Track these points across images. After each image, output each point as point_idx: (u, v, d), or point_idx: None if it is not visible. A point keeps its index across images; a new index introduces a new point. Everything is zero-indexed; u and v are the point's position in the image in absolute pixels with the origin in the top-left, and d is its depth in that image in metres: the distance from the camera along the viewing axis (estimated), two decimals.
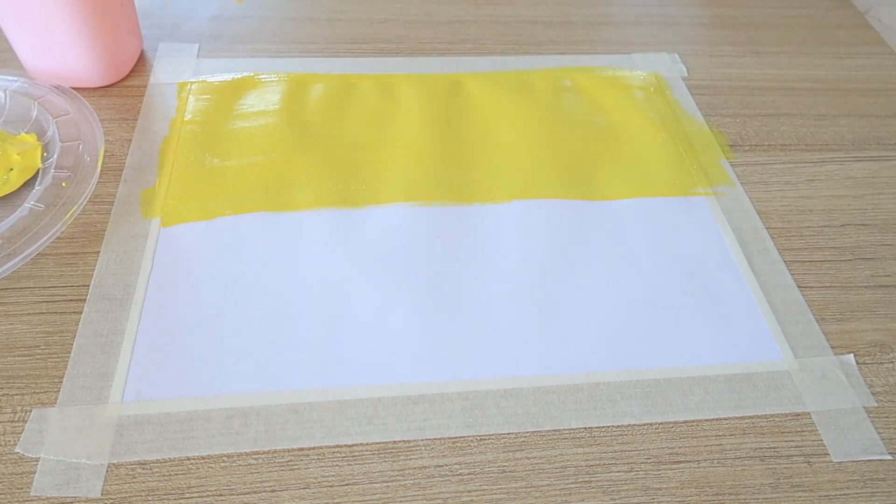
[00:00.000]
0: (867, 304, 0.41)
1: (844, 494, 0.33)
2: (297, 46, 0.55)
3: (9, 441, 0.32)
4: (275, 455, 0.32)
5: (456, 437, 0.33)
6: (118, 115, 0.48)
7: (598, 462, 0.33)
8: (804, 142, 0.51)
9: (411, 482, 0.32)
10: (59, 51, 0.46)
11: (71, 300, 0.37)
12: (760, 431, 0.35)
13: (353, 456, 0.33)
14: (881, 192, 0.48)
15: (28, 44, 0.46)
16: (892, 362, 0.38)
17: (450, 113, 0.50)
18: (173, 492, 0.31)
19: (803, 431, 0.35)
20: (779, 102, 0.54)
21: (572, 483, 0.32)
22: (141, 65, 0.52)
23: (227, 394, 0.34)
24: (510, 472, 0.33)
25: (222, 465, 0.32)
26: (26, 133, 0.44)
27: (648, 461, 0.33)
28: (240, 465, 0.32)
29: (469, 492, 0.32)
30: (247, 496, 0.31)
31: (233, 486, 0.31)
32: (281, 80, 0.51)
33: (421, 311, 0.38)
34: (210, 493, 0.31)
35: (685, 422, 0.35)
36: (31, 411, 0.33)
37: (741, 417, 0.35)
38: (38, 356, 0.35)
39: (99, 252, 0.39)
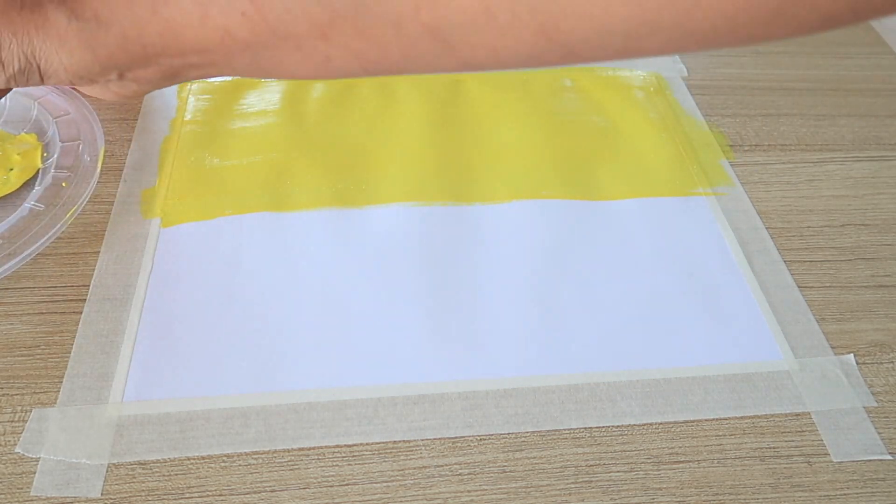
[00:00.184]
0: (867, 304, 0.41)
1: (844, 494, 0.33)
2: None
3: (9, 441, 0.32)
4: (275, 455, 0.32)
5: (456, 437, 0.33)
6: (118, 115, 0.48)
7: (598, 462, 0.33)
8: (804, 142, 0.51)
9: (411, 482, 0.32)
10: None
11: (71, 300, 0.37)
12: (760, 431, 0.35)
13: (353, 456, 0.33)
14: (881, 192, 0.48)
15: None
16: (892, 362, 0.38)
17: (450, 113, 0.50)
18: (173, 492, 0.31)
19: (803, 431, 0.35)
20: (779, 102, 0.54)
21: (572, 483, 0.32)
22: None
23: (227, 394, 0.34)
24: (510, 472, 0.33)
25: (222, 465, 0.32)
26: (26, 133, 0.44)
27: (648, 461, 0.33)
28: (240, 465, 0.32)
29: (469, 492, 0.32)
30: (247, 496, 0.31)
31: (233, 486, 0.31)
32: (281, 79, 0.51)
33: (421, 311, 0.38)
34: (210, 493, 0.31)
35: (685, 422, 0.35)
36: (31, 411, 0.33)
37: (741, 417, 0.35)
38: (38, 356, 0.35)
39: (99, 252, 0.39)
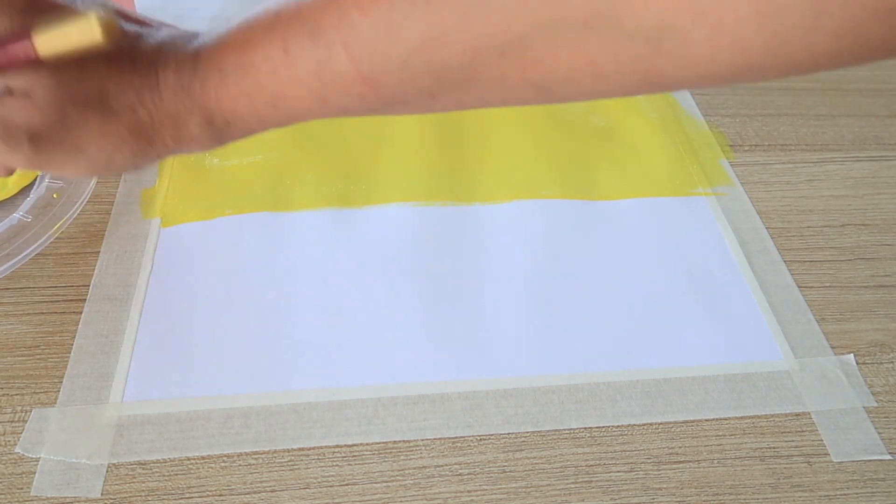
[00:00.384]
0: (867, 304, 0.41)
1: (844, 494, 0.33)
2: None
3: (9, 441, 0.32)
4: (275, 455, 0.32)
5: (456, 437, 0.33)
6: None
7: (598, 462, 0.33)
8: (804, 142, 0.51)
9: (411, 482, 0.32)
10: None
11: (71, 300, 0.37)
12: (760, 431, 0.35)
13: (353, 456, 0.33)
14: (881, 192, 0.48)
15: None
16: (892, 362, 0.38)
17: (450, 113, 0.50)
18: (173, 492, 0.31)
19: (803, 431, 0.35)
20: (779, 102, 0.54)
21: (572, 483, 0.32)
22: None
23: (227, 394, 0.34)
24: (510, 472, 0.33)
25: (222, 465, 0.32)
26: None
27: (648, 461, 0.33)
28: (240, 465, 0.32)
29: (469, 492, 0.32)
30: (247, 496, 0.31)
31: (233, 486, 0.31)
32: None
33: (421, 311, 0.38)
34: (210, 493, 0.31)
35: (685, 422, 0.35)
36: (31, 411, 0.33)
37: (741, 417, 0.35)
38: (38, 356, 0.35)
39: (99, 252, 0.39)
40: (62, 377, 0.34)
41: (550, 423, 0.34)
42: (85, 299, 0.37)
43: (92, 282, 0.38)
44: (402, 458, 0.33)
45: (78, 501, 0.30)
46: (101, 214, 0.41)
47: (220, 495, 0.31)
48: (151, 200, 0.42)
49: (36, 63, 0.23)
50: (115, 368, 0.34)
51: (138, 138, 0.26)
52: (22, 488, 0.30)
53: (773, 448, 0.34)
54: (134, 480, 0.31)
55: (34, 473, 0.31)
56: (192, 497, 0.31)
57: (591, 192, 0.45)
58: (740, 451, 0.34)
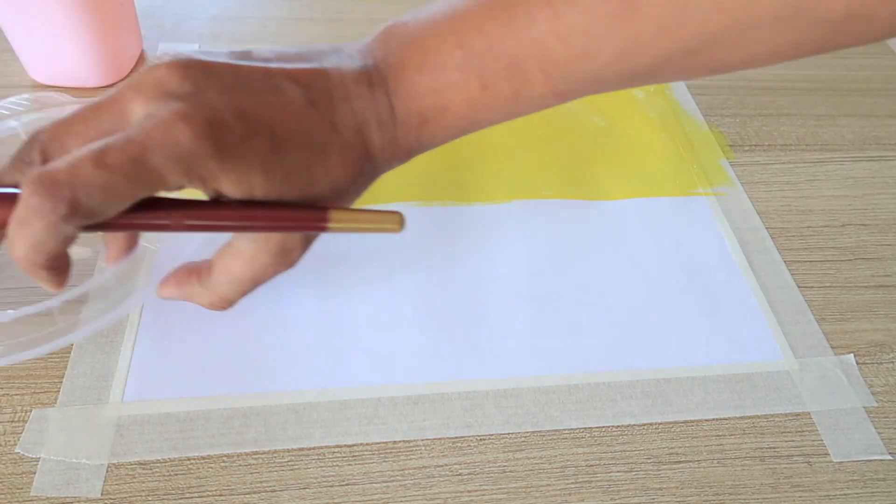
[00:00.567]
0: (867, 304, 0.41)
1: (844, 494, 0.33)
2: None
3: (9, 441, 0.32)
4: (275, 455, 0.32)
5: (456, 437, 0.33)
6: None
7: (598, 462, 0.33)
8: (804, 142, 0.51)
9: (411, 482, 0.32)
10: (60, 51, 0.46)
11: (71, 300, 0.37)
12: (760, 431, 0.35)
13: (353, 456, 0.33)
14: (881, 192, 0.48)
15: (29, 44, 0.46)
16: (892, 362, 0.38)
17: None
18: (173, 492, 0.31)
19: (803, 431, 0.35)
20: (779, 102, 0.54)
21: (572, 483, 0.32)
22: (141, 65, 0.52)
23: (227, 394, 0.34)
24: (510, 472, 0.33)
25: (222, 465, 0.32)
26: None
27: (648, 461, 0.33)
28: (240, 465, 0.32)
29: (469, 492, 0.32)
30: (247, 496, 0.31)
31: (233, 486, 0.31)
32: None
33: (421, 311, 0.38)
34: (210, 493, 0.31)
35: (685, 422, 0.35)
36: (31, 411, 0.33)
37: (741, 417, 0.35)
38: (38, 356, 0.35)
39: (99, 252, 0.39)
40: (62, 377, 0.34)
41: (550, 423, 0.34)
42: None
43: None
44: (402, 458, 0.33)
45: (78, 501, 0.30)
46: None
47: (220, 495, 0.31)
48: None
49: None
50: (115, 368, 0.34)
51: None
52: (22, 488, 0.30)
53: (773, 448, 0.34)
54: (134, 480, 0.31)
55: (34, 473, 0.31)
56: (192, 497, 0.31)
57: (590, 192, 0.45)
58: (740, 451, 0.34)
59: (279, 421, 0.33)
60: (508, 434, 0.34)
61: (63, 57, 0.47)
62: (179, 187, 0.22)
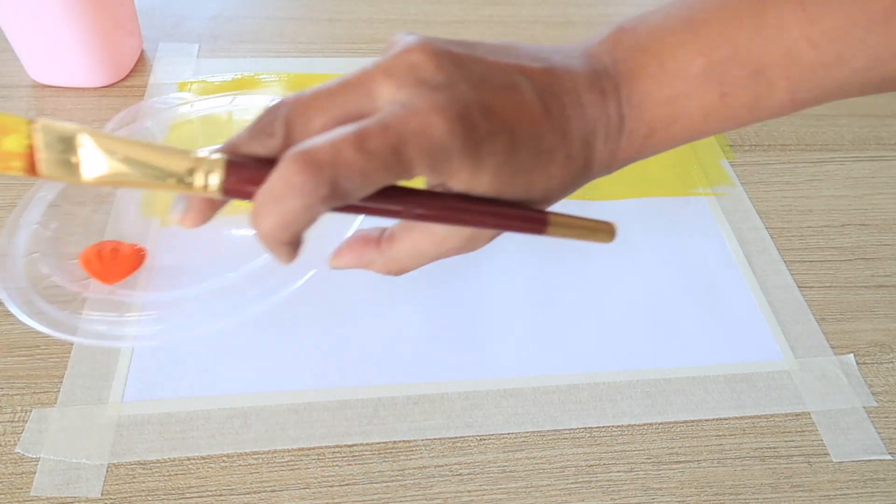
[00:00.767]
0: (867, 304, 0.41)
1: (844, 494, 0.33)
2: (297, 46, 0.55)
3: (9, 441, 0.32)
4: (275, 455, 0.32)
5: (456, 437, 0.33)
6: None
7: (598, 462, 0.33)
8: (804, 142, 0.51)
9: (411, 482, 0.32)
10: (60, 51, 0.46)
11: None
12: (760, 431, 0.35)
13: (353, 456, 0.33)
14: (881, 192, 0.48)
15: (29, 44, 0.46)
16: (892, 362, 0.38)
17: None
18: (173, 492, 0.31)
19: (803, 431, 0.35)
20: None
21: (572, 483, 0.32)
22: (141, 65, 0.52)
23: (227, 394, 0.34)
24: (510, 472, 0.33)
25: (222, 465, 0.32)
26: None
27: (648, 461, 0.33)
28: (240, 465, 0.32)
29: (469, 492, 0.32)
30: (247, 496, 0.31)
31: (233, 486, 0.31)
32: (281, 80, 0.51)
33: (421, 312, 0.38)
34: (210, 493, 0.31)
35: (685, 422, 0.35)
36: (31, 411, 0.33)
37: (741, 417, 0.35)
38: (38, 356, 0.35)
39: None
40: (62, 377, 0.34)
41: (550, 423, 0.34)
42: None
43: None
44: (402, 458, 0.33)
45: (78, 501, 0.30)
46: (101, 214, 0.41)
47: (220, 495, 0.31)
48: (151, 200, 0.42)
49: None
50: (115, 368, 0.34)
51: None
52: (22, 488, 0.30)
53: (773, 448, 0.34)
54: (134, 480, 0.31)
55: (34, 473, 0.31)
56: (192, 497, 0.31)
57: (590, 192, 0.45)
58: (740, 451, 0.34)
59: (279, 421, 0.33)
60: (508, 434, 0.34)
61: (63, 57, 0.47)
62: (413, 177, 0.22)
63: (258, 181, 0.21)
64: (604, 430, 0.34)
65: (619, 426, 0.34)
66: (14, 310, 0.33)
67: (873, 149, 0.51)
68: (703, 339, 0.38)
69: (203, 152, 0.21)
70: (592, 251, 0.42)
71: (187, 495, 0.31)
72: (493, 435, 0.34)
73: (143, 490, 0.31)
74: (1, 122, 0.19)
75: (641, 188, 0.46)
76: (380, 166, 0.20)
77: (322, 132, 0.21)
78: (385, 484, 0.32)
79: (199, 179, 0.21)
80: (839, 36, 0.22)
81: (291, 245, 0.23)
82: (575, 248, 0.42)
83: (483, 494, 0.32)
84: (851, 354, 0.38)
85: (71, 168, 0.20)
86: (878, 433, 0.35)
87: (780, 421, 0.35)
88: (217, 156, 0.21)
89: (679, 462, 0.33)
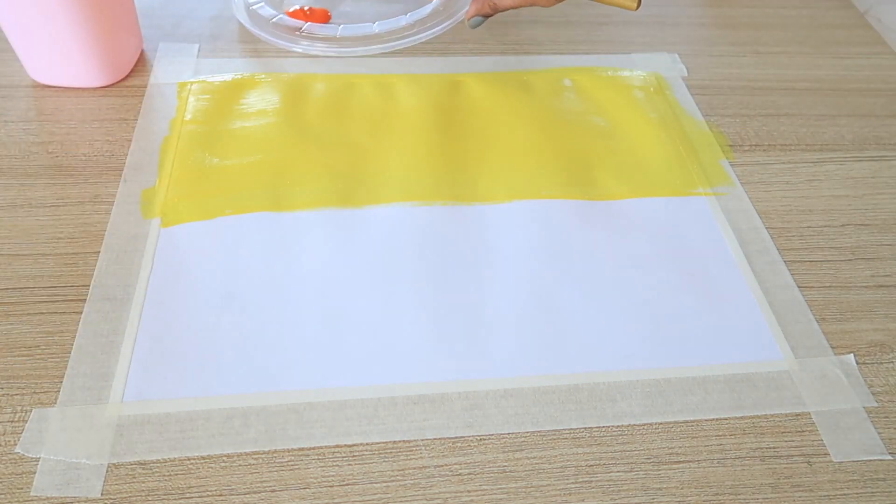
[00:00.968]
0: (867, 304, 0.41)
1: (844, 494, 0.33)
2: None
3: (9, 441, 0.32)
4: (275, 455, 0.32)
5: (456, 437, 0.33)
6: (118, 115, 0.48)
7: (598, 462, 0.33)
8: (804, 142, 0.51)
9: (411, 482, 0.32)
10: (60, 51, 0.46)
11: (71, 300, 0.37)
12: (760, 431, 0.35)
13: (353, 456, 0.33)
14: (881, 192, 0.48)
15: (29, 44, 0.46)
16: (892, 362, 0.38)
17: (450, 113, 0.50)
18: (173, 492, 0.31)
19: (803, 431, 0.35)
20: (779, 102, 0.54)
21: (572, 483, 0.32)
22: (141, 65, 0.52)
23: (227, 394, 0.34)
24: (510, 472, 0.33)
25: (222, 465, 0.32)
26: None
27: (648, 461, 0.33)
28: (240, 465, 0.32)
29: (469, 492, 0.32)
30: (247, 496, 0.31)
31: (233, 486, 0.31)
32: (281, 79, 0.51)
33: (421, 311, 0.38)
34: (210, 493, 0.31)
35: (685, 422, 0.35)
36: (31, 411, 0.33)
37: (741, 417, 0.35)
38: (38, 356, 0.35)
39: (99, 252, 0.39)
40: (62, 377, 0.34)
41: (550, 423, 0.34)
42: (85, 299, 0.37)
43: (92, 282, 0.38)
44: (402, 458, 0.33)
45: (78, 501, 0.30)
46: (101, 214, 0.41)
47: (220, 495, 0.31)
48: (151, 200, 0.42)
49: None
50: (115, 368, 0.34)
51: None
52: (22, 488, 0.30)
53: (773, 448, 0.34)
54: (134, 480, 0.31)
55: (34, 473, 0.31)
56: (192, 497, 0.31)
57: (591, 192, 0.45)
58: (740, 451, 0.34)
59: (279, 421, 0.33)
60: (508, 434, 0.34)
61: (63, 57, 0.47)
62: None
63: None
64: (604, 430, 0.34)
65: (619, 426, 0.34)
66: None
67: (873, 149, 0.51)
68: (703, 339, 0.38)
69: None
70: (593, 251, 0.42)
71: (187, 495, 0.31)
72: (493, 435, 0.34)
73: (143, 490, 0.31)
74: None
75: (641, 188, 0.46)
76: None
77: None
78: (385, 484, 0.32)
79: None
80: None
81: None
82: (575, 249, 0.42)
83: (483, 494, 0.32)
84: (851, 354, 0.38)
85: None
86: (878, 433, 0.35)
87: (780, 421, 0.35)
88: None
89: (679, 462, 0.33)
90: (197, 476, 0.31)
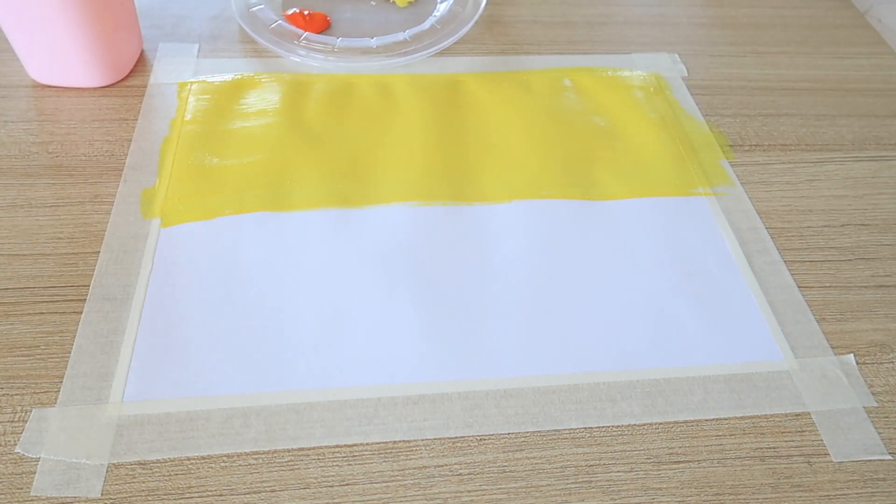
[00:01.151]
0: (867, 304, 0.41)
1: (844, 494, 0.33)
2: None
3: (9, 441, 0.32)
4: (275, 455, 0.32)
5: (456, 437, 0.33)
6: (118, 115, 0.48)
7: (598, 462, 0.33)
8: (804, 142, 0.51)
9: (411, 482, 0.32)
10: (60, 51, 0.46)
11: (71, 300, 0.37)
12: (760, 431, 0.35)
13: (353, 456, 0.33)
14: (881, 192, 0.48)
15: (29, 44, 0.46)
16: (892, 362, 0.38)
17: (450, 113, 0.50)
18: (173, 492, 0.31)
19: (803, 431, 0.35)
20: (779, 102, 0.54)
21: (572, 483, 0.32)
22: (141, 65, 0.52)
23: (227, 394, 0.34)
24: (510, 472, 0.33)
25: (222, 465, 0.32)
26: None
27: (648, 461, 0.33)
28: (240, 465, 0.32)
29: (469, 492, 0.32)
30: (247, 496, 0.31)
31: (233, 486, 0.31)
32: (281, 79, 0.51)
33: (421, 311, 0.38)
34: (210, 493, 0.31)
35: (685, 422, 0.35)
36: (31, 411, 0.33)
37: (741, 417, 0.35)
38: (38, 356, 0.35)
39: (99, 252, 0.39)
40: (62, 377, 0.34)
41: (550, 423, 0.34)
42: (85, 299, 0.37)
43: (92, 282, 0.38)
44: (402, 458, 0.33)
45: (78, 501, 0.30)
46: (101, 214, 0.41)
47: (220, 495, 0.31)
48: (151, 200, 0.42)
49: None
50: (115, 368, 0.34)
51: None
52: (22, 488, 0.30)
53: (773, 448, 0.34)
54: (134, 480, 0.31)
55: (34, 473, 0.31)
56: (192, 497, 0.31)
57: (591, 192, 0.45)
58: (740, 451, 0.34)
59: (279, 421, 0.33)
60: (508, 434, 0.34)
61: (63, 57, 0.47)
62: None
63: None
64: (604, 430, 0.34)
65: (619, 426, 0.34)
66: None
67: (873, 149, 0.51)
68: (703, 339, 0.38)
69: None
70: (593, 251, 0.42)
71: (187, 495, 0.31)
72: (493, 435, 0.34)
73: (143, 490, 0.31)
74: None
75: (641, 188, 0.46)
76: None
77: None
78: (385, 484, 0.32)
79: None
80: None
81: None
82: (575, 249, 0.42)
83: (483, 494, 0.32)
84: (851, 354, 0.38)
85: None
86: (878, 433, 0.35)
87: (780, 421, 0.35)
88: None
89: (679, 462, 0.33)
90: (197, 476, 0.31)
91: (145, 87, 0.50)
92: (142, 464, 0.31)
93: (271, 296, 0.38)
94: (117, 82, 0.50)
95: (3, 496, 0.30)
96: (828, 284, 0.42)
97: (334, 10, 0.59)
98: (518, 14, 0.61)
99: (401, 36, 0.54)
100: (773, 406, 0.36)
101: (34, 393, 0.33)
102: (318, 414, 0.34)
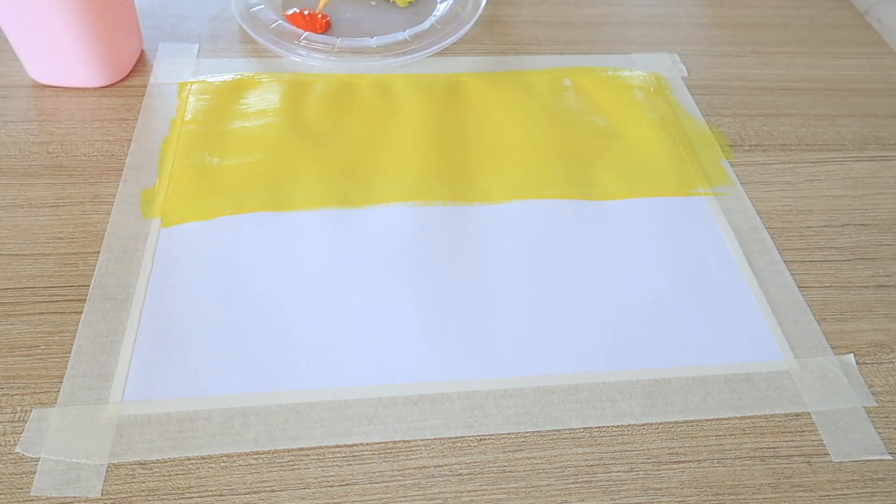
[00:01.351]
0: (867, 304, 0.41)
1: (844, 494, 0.33)
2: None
3: (9, 441, 0.32)
4: (275, 455, 0.32)
5: (456, 437, 0.33)
6: (118, 115, 0.48)
7: (598, 462, 0.33)
8: (804, 142, 0.51)
9: (411, 482, 0.32)
10: (60, 51, 0.46)
11: (71, 300, 0.37)
12: (760, 431, 0.35)
13: (353, 456, 0.33)
14: (881, 192, 0.48)
15: (28, 44, 0.46)
16: (892, 362, 0.38)
17: (450, 113, 0.50)
18: (173, 492, 0.31)
19: (803, 431, 0.35)
20: (779, 102, 0.54)
21: (572, 483, 0.32)
22: (141, 65, 0.52)
23: (227, 394, 0.34)
24: (510, 472, 0.33)
25: (222, 465, 0.32)
26: None
27: (648, 461, 0.33)
28: (240, 465, 0.32)
29: (469, 492, 0.32)
30: (247, 496, 0.31)
31: (233, 486, 0.31)
32: (281, 79, 0.51)
33: (421, 311, 0.38)
34: (210, 493, 0.31)
35: (685, 422, 0.35)
36: (31, 411, 0.33)
37: (741, 417, 0.35)
38: (38, 356, 0.35)
39: (99, 252, 0.39)
40: (62, 377, 0.34)
41: (550, 423, 0.34)
42: (85, 299, 0.37)
43: (92, 282, 0.38)
44: (402, 458, 0.33)
45: (78, 501, 0.30)
46: (101, 214, 0.41)
47: (220, 495, 0.31)
48: (151, 200, 0.42)
49: None
50: (115, 368, 0.34)
51: None
52: (22, 488, 0.30)
53: (773, 448, 0.34)
54: (134, 480, 0.31)
55: (34, 473, 0.31)
56: (192, 497, 0.31)
57: (591, 192, 0.45)
58: (740, 451, 0.34)
59: (279, 421, 0.33)
60: (508, 434, 0.34)
61: (63, 57, 0.47)
62: None
63: None
64: (604, 430, 0.34)
65: (619, 426, 0.34)
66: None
67: (873, 149, 0.51)
68: (703, 339, 0.38)
69: None
70: (593, 251, 0.42)
71: (187, 495, 0.31)
72: (493, 435, 0.34)
73: (143, 490, 0.31)
74: None
75: (641, 188, 0.46)
76: None
77: None
78: (385, 484, 0.32)
79: None
80: None
81: None
82: (575, 249, 0.42)
83: (483, 494, 0.32)
84: (851, 354, 0.38)
85: None
86: (878, 433, 0.35)
87: (780, 421, 0.35)
88: None
89: (679, 462, 0.33)
90: (197, 476, 0.31)
91: (145, 87, 0.50)
92: (142, 464, 0.31)
93: (271, 296, 0.38)
94: (117, 82, 0.50)
95: (3, 496, 0.30)
96: (828, 284, 0.42)
97: (334, 10, 0.59)
98: (518, 14, 0.61)
99: (401, 36, 0.54)
100: (773, 406, 0.36)
101: (34, 393, 0.33)
102: (318, 414, 0.34)
